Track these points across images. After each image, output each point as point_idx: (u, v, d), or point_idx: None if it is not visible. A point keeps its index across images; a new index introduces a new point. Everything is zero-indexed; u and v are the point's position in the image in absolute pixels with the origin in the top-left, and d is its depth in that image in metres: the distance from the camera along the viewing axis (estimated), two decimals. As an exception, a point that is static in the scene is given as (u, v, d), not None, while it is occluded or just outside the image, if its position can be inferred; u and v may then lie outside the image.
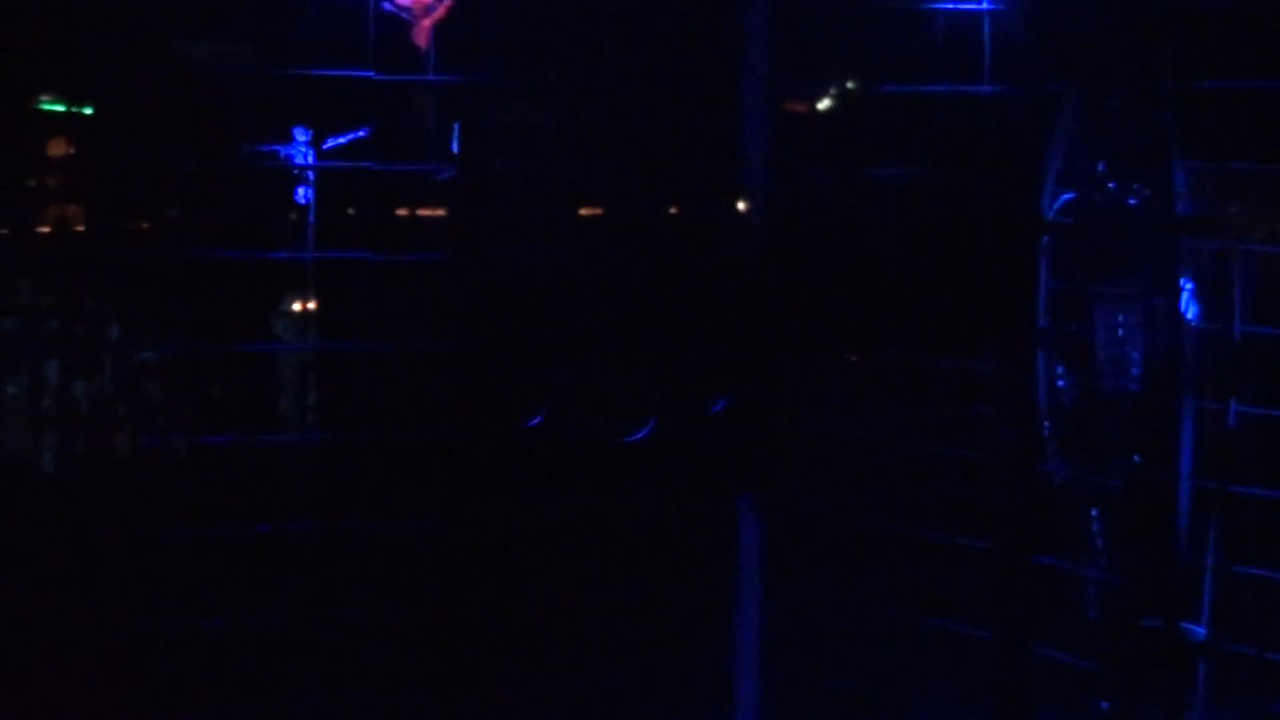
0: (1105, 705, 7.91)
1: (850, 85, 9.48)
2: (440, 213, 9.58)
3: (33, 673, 8.90)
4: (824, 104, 9.64)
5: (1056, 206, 8.63)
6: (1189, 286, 8.72)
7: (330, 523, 8.53)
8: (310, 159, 9.08)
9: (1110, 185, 8.66)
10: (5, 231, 9.60)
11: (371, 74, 8.77)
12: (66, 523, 9.14)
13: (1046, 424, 8.29)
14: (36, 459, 9.69)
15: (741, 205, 8.39)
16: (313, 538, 8.53)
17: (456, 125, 8.81)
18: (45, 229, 9.79)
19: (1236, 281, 8.74)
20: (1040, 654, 8.09)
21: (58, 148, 9.85)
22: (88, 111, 9.92)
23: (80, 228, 9.79)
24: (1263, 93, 8.33)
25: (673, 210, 9.69)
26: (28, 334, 9.54)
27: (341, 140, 9.14)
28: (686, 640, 9.14)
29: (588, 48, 8.97)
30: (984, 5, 9.07)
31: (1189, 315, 8.78)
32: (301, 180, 9.00)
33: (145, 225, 9.72)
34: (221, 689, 8.29)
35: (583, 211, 9.74)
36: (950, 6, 9.10)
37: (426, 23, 8.75)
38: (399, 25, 8.71)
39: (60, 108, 9.92)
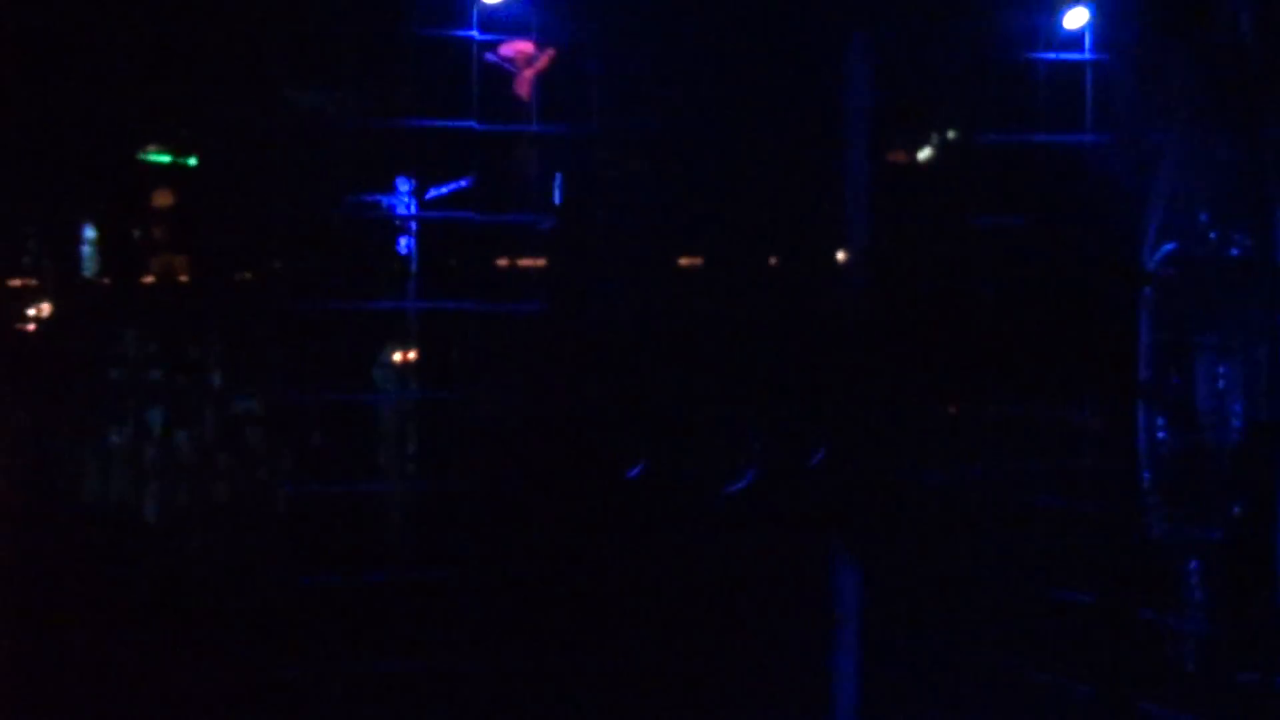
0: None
1: (952, 135, 9.43)
2: (541, 263, 9.54)
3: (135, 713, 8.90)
4: (925, 154, 9.61)
5: (1158, 258, 8.47)
6: None
7: (432, 571, 8.42)
8: (413, 209, 9.09)
9: (1212, 235, 8.47)
10: (109, 281, 9.68)
11: (474, 124, 8.96)
12: (169, 570, 9.09)
13: (1146, 475, 8.11)
14: (140, 507, 9.67)
15: (841, 255, 8.35)
16: (414, 585, 8.32)
17: (558, 176, 8.57)
18: (150, 279, 9.85)
19: None
20: (1142, 708, 7.93)
21: (163, 198, 9.95)
22: (192, 162, 9.98)
23: (184, 278, 9.83)
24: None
25: (773, 260, 9.67)
26: (132, 383, 9.59)
27: (444, 190, 9.29)
28: (787, 686, 8.95)
29: (690, 99, 8.97)
30: (1085, 56, 9.07)
31: None
32: (404, 230, 9.00)
33: (249, 275, 9.77)
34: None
35: (683, 262, 9.70)
36: (1053, 57, 9.12)
37: (529, 73, 8.87)
38: (502, 76, 8.65)
39: (165, 159, 9.99)
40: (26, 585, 8.97)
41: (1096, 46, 8.88)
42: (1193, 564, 8.27)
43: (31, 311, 9.83)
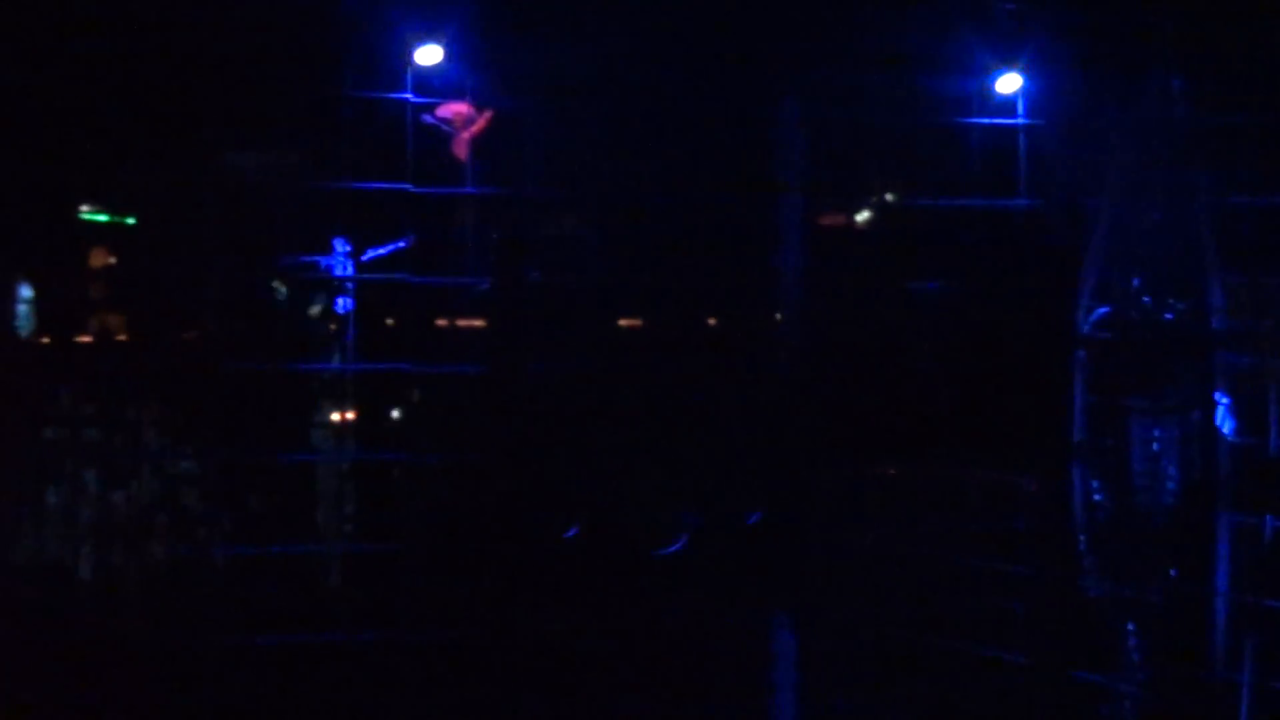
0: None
1: (886, 199, 9.50)
2: (479, 324, 9.56)
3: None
4: (860, 217, 9.68)
5: (1092, 321, 8.63)
6: (1225, 401, 8.65)
7: (365, 633, 8.39)
8: (350, 270, 9.09)
9: (1145, 300, 8.67)
10: (47, 340, 9.62)
11: (409, 187, 9.01)
12: (103, 629, 9.06)
13: (1083, 538, 8.15)
14: (75, 566, 9.62)
15: (778, 316, 8.40)
16: (349, 647, 8.30)
17: (495, 238, 8.60)
18: (87, 338, 9.81)
19: (1273, 397, 8.71)
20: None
21: (99, 258, 9.91)
22: (130, 222, 9.97)
23: (122, 337, 9.80)
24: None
25: (710, 322, 9.70)
26: (68, 443, 9.53)
27: (381, 251, 9.35)
28: None
29: (627, 162, 8.91)
30: (1018, 121, 9.23)
31: (1225, 430, 8.68)
32: (341, 291, 9.00)
33: (187, 336, 9.76)
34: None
35: (621, 323, 9.72)
36: (985, 122, 9.28)
37: (466, 135, 8.84)
38: (440, 138, 8.67)
39: (103, 218, 9.98)
40: None
41: (1029, 112, 8.88)
42: (1130, 625, 8.31)
43: None
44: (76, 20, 8.92)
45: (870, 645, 9.21)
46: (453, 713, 8.37)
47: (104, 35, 8.90)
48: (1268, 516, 8.72)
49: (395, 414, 9.73)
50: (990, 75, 8.80)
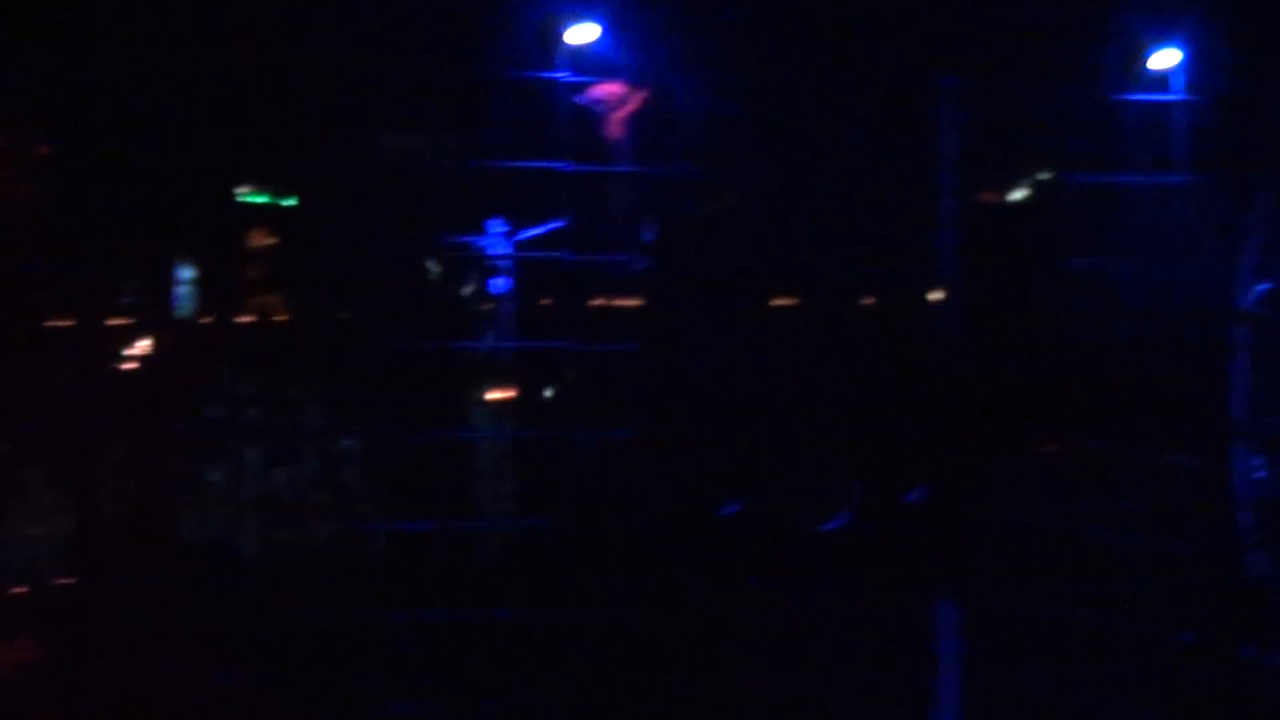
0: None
1: (1042, 176, 9.50)
2: (635, 302, 9.63)
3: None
4: (1016, 195, 9.69)
5: (1253, 297, 8.73)
6: None
7: (525, 609, 8.47)
8: (506, 249, 9.15)
9: None
10: (207, 321, 9.88)
11: (565, 165, 9.01)
12: (267, 605, 9.24)
13: (1244, 515, 8.14)
14: (238, 544, 9.84)
15: (934, 295, 8.43)
16: (507, 623, 8.88)
17: (650, 217, 8.63)
18: (247, 319, 10.02)
19: None
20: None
21: (261, 239, 10.11)
22: (290, 203, 10.14)
23: (281, 317, 9.98)
24: None
25: (867, 300, 9.76)
26: (231, 422, 9.74)
27: (537, 231, 9.23)
28: None
29: (783, 140, 9.06)
30: (1175, 97, 9.17)
31: None
32: (498, 271, 9.11)
33: (345, 315, 9.94)
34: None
35: (776, 302, 9.80)
36: (1142, 98, 9.16)
37: (620, 115, 8.83)
38: (594, 118, 8.74)
39: (264, 199, 10.16)
40: (130, 620, 9.00)
41: (1188, 87, 8.86)
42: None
43: (131, 351, 10.01)
44: (238, 4, 9.07)
45: (1032, 622, 9.13)
46: (611, 688, 8.45)
47: (264, 19, 9.02)
48: None
49: (552, 392, 9.83)
50: (1148, 50, 8.71)
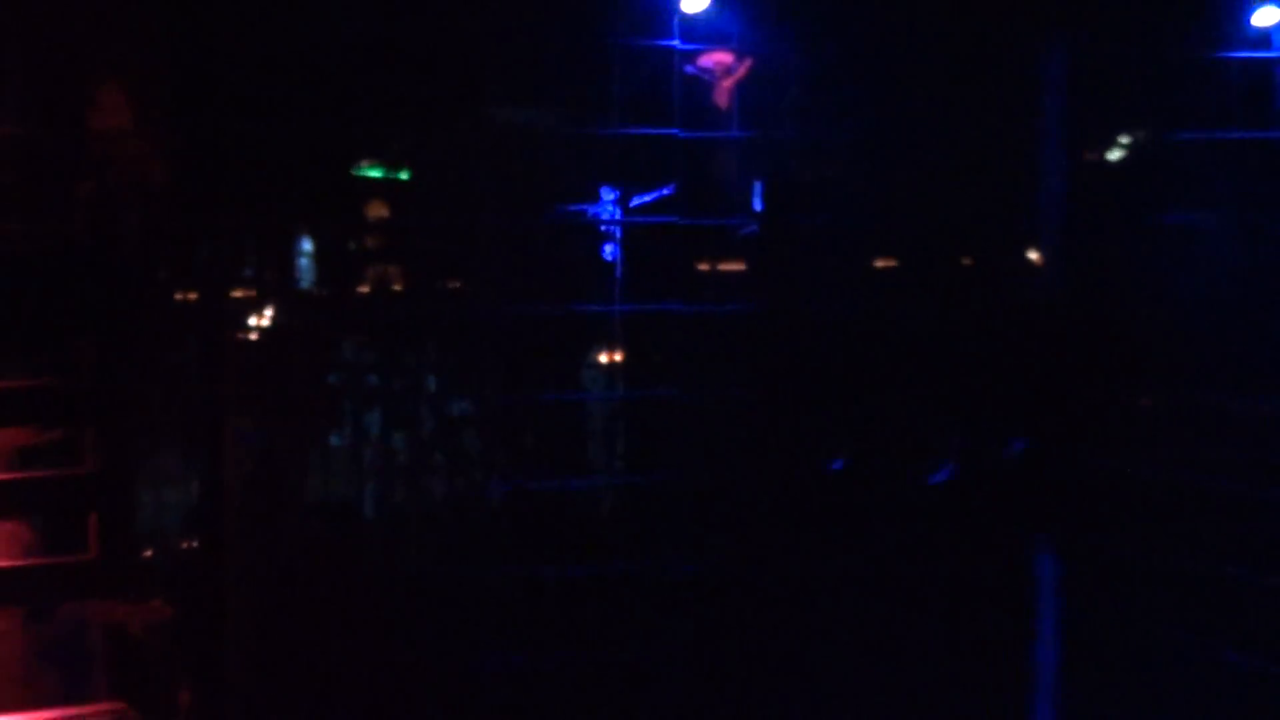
0: None
1: (1145, 134, 9.70)
2: (742, 266, 9.90)
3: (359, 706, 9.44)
4: (1118, 153, 9.88)
5: None
6: None
7: (638, 564, 8.71)
8: (617, 216, 9.44)
9: None
10: (327, 291, 10.22)
11: (677, 132, 9.29)
12: (389, 565, 9.60)
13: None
14: (360, 504, 10.18)
15: (1034, 255, 8.65)
16: (621, 579, 9.19)
17: (758, 182, 8.87)
18: (365, 288, 10.36)
19: None
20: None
21: (376, 211, 10.44)
22: (404, 176, 10.46)
23: (398, 287, 10.32)
24: None
25: (968, 260, 10.01)
26: (350, 389, 10.09)
27: (647, 198, 9.54)
28: (987, 680, 9.13)
29: (886, 103, 9.56)
30: (1277, 54, 9.24)
31: None
32: (609, 237, 9.40)
33: (460, 284, 10.26)
34: None
35: (882, 262, 10.06)
36: (1245, 55, 9.27)
37: (727, 83, 9.18)
38: (703, 86, 9.01)
39: (379, 173, 10.49)
40: (257, 579, 9.36)
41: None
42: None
43: (252, 321, 10.36)
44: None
45: (1133, 574, 9.28)
46: (721, 644, 8.68)
47: None
48: None
49: (662, 354, 10.16)
50: (1248, 9, 8.87)
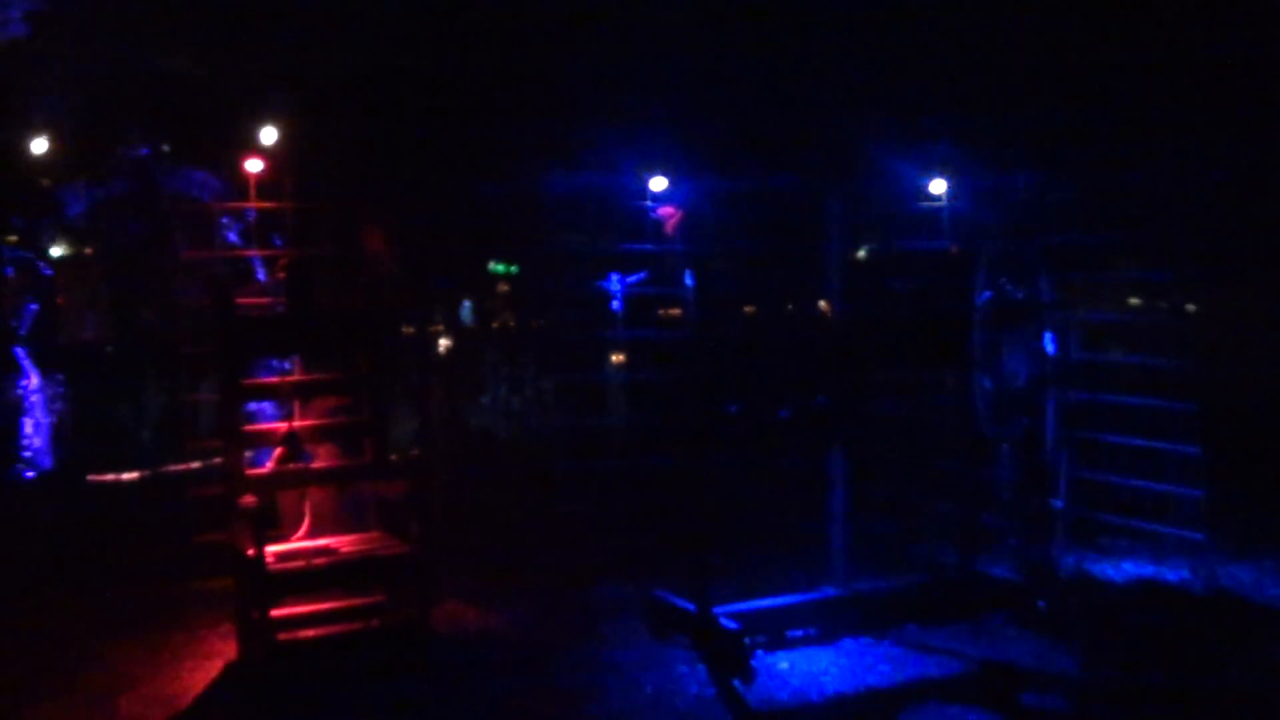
0: None
1: (878, 242, 10.31)
2: (677, 312, 11.43)
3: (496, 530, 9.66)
4: (863, 251, 10.44)
5: (980, 301, 9.09)
6: (1049, 334, 9.24)
7: (633, 462, 9.61)
8: (621, 285, 11.18)
9: (1009, 288, 9.01)
10: (478, 328, 10.91)
11: (649, 247, 9.93)
12: (508, 460, 11.00)
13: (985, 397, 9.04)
14: (496, 431, 11.82)
15: (823, 303, 9.25)
16: (621, 470, 9.57)
17: (687, 270, 9.72)
18: (495, 325, 11.02)
19: (1071, 333, 9.58)
20: None
21: (502, 287, 11.25)
22: (515, 270, 11.19)
23: (512, 324, 11.00)
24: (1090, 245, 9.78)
25: (792, 306, 10.60)
26: (497, 373, 11.81)
27: (634, 279, 11.24)
28: (809, 513, 8.87)
29: (747, 229, 10.11)
30: (944, 205, 9.74)
31: (1049, 349, 9.26)
32: (614, 297, 10.59)
33: (544, 322, 10.99)
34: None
35: (748, 309, 11.58)
36: (929, 206, 9.74)
37: (672, 223, 10.68)
38: (660, 223, 10.23)
39: (502, 269, 11.25)
40: (446, 468, 9.53)
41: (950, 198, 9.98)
42: None
43: (442, 343, 11.01)
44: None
45: (872, 464, 8.99)
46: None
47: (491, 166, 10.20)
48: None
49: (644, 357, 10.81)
50: (928, 179, 9.68)
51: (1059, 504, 9.12)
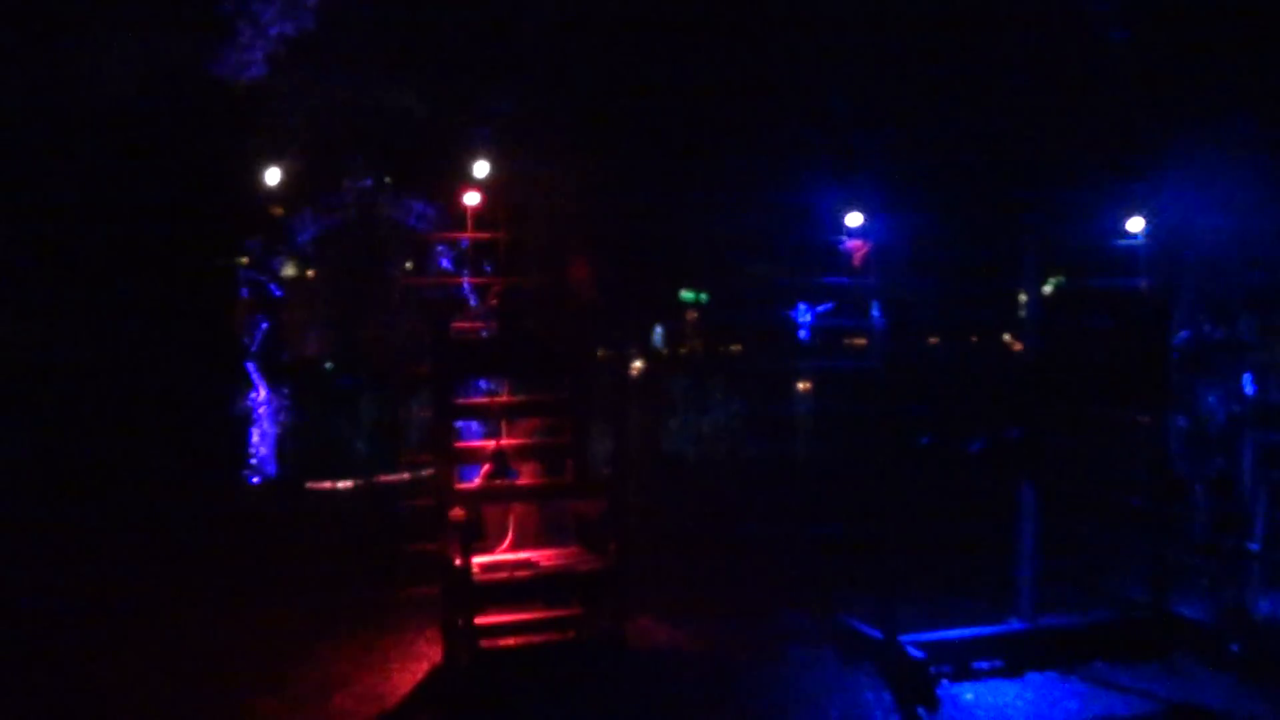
0: None
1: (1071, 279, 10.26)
2: (862, 341, 11.39)
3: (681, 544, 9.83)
4: (1048, 288, 10.49)
5: (1178, 341, 8.94)
6: (1248, 375, 8.91)
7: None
8: (811, 316, 11.36)
9: (1207, 329, 8.87)
10: (667, 351, 11.12)
11: (845, 280, 10.02)
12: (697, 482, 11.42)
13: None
14: (686, 456, 11.97)
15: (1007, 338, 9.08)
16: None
17: (875, 303, 9.84)
18: (684, 350, 11.29)
19: (1269, 373, 8.98)
20: None
21: (691, 315, 11.54)
22: (704, 298, 11.38)
23: (700, 349, 11.21)
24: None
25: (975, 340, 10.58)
26: (689, 397, 11.82)
27: (823, 308, 11.42)
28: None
29: (938, 267, 9.83)
30: (1140, 240, 9.44)
31: (1247, 389, 8.88)
32: (802, 328, 10.44)
33: (731, 349, 11.13)
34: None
35: (932, 339, 11.46)
36: (1125, 243, 9.46)
37: (859, 256, 10.41)
38: (850, 256, 10.41)
39: (692, 296, 11.48)
40: (639, 488, 9.39)
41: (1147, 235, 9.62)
42: None
43: (636, 363, 12.03)
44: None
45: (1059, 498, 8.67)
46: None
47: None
48: None
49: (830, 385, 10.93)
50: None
51: (1255, 546, 8.67)
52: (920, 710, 6.99)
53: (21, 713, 6.98)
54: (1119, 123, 9.49)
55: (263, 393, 9.18)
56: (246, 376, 9.13)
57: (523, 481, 7.99)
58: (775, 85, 9.74)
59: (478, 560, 7.59)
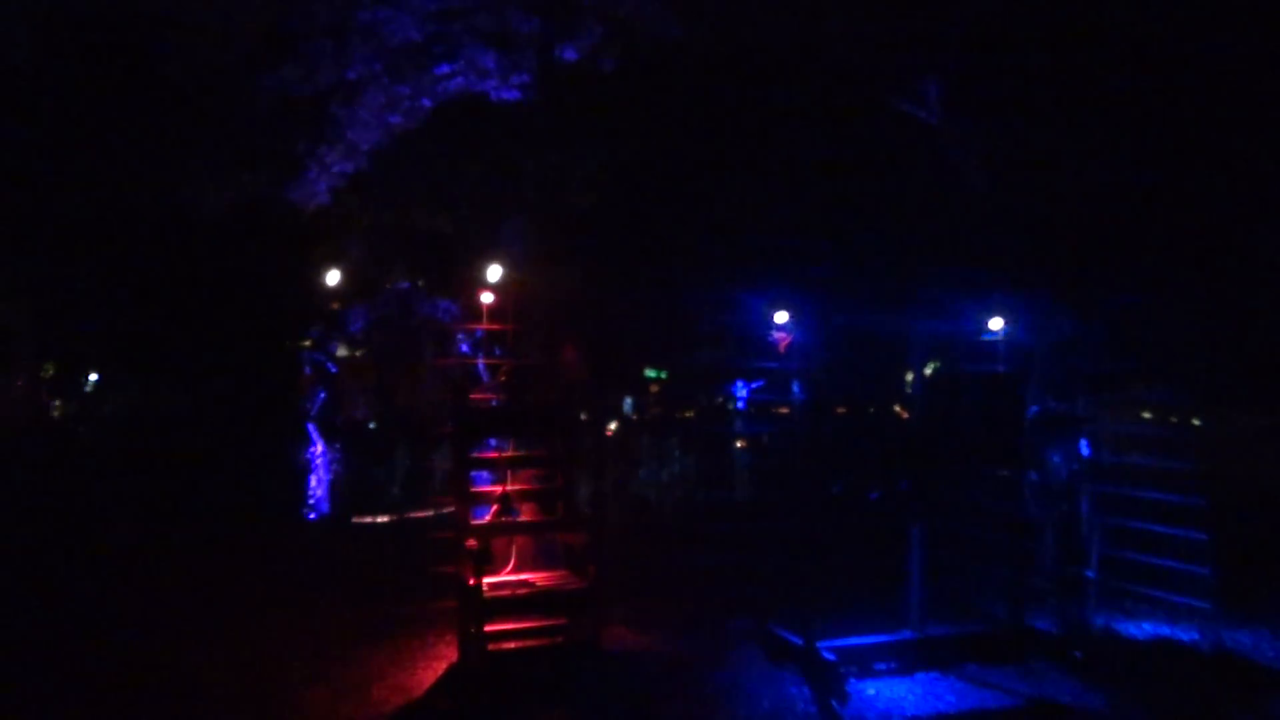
0: None
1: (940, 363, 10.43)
2: (785, 410, 10.97)
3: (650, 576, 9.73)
4: (928, 370, 10.29)
5: (1030, 413, 9.17)
6: (1084, 441, 9.12)
7: (757, 526, 9.30)
8: (746, 391, 11.64)
9: (1052, 404, 9.08)
10: (636, 417, 11.13)
11: (775, 364, 9.74)
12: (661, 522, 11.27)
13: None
14: (650, 500, 11.98)
15: (897, 408, 9.11)
16: (745, 531, 9.22)
17: (795, 381, 9.62)
18: (649, 415, 11.34)
19: (1101, 440, 9.24)
20: None
21: (654, 389, 11.51)
22: (664, 375, 11.36)
23: (661, 415, 11.33)
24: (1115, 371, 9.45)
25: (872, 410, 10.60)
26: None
27: (756, 385, 11.52)
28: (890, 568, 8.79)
29: (842, 352, 9.82)
30: (999, 335, 9.38)
31: (1084, 452, 9.13)
32: (737, 400, 10.54)
33: (683, 415, 11.13)
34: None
35: (840, 410, 11.32)
36: (987, 336, 9.36)
37: (783, 345, 10.22)
38: (776, 345, 10.02)
39: (654, 373, 11.44)
40: (612, 526, 9.69)
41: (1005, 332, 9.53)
42: None
43: (611, 425, 11.09)
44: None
45: (940, 535, 8.65)
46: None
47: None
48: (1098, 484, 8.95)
49: (765, 441, 10.77)
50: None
51: (1091, 574, 8.71)
52: (833, 702, 6.93)
53: (122, 689, 6.99)
54: (983, 247, 9.97)
55: (320, 447, 9.34)
56: (307, 434, 9.31)
57: (523, 518, 7.93)
58: (720, 221, 9.98)
59: (487, 580, 7.50)
